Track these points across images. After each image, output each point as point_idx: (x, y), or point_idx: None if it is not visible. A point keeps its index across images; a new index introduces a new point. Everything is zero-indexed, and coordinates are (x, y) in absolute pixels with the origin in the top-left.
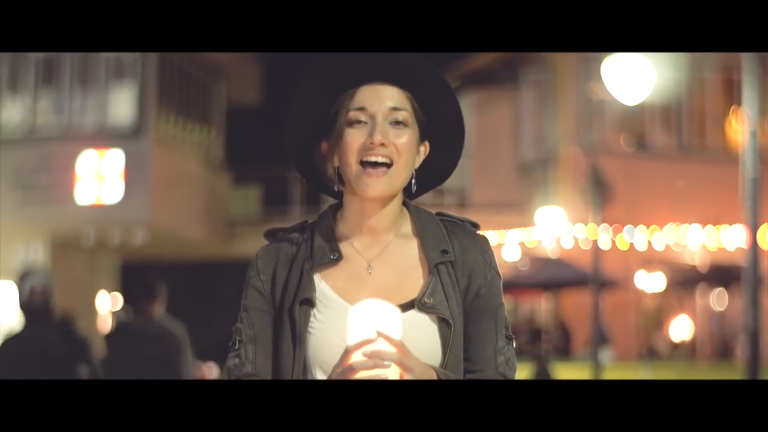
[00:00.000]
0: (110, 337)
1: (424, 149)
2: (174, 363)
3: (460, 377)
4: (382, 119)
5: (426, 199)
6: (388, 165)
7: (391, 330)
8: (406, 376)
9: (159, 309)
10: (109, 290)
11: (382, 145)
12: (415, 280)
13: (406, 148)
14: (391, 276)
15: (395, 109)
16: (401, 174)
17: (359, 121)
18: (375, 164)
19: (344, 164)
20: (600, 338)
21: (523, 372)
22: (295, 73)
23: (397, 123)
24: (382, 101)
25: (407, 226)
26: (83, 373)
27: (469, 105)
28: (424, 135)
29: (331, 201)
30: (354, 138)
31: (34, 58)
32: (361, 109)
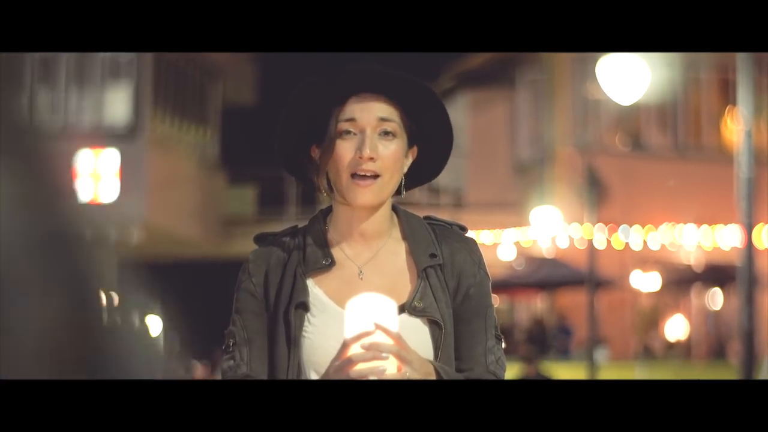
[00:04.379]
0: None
1: (413, 154)
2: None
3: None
4: (371, 132)
5: (422, 199)
6: (377, 176)
7: (389, 323)
8: (404, 368)
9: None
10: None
11: (371, 159)
12: (404, 284)
13: (393, 160)
14: (382, 281)
15: (384, 120)
16: (389, 184)
17: (349, 132)
18: (364, 177)
19: (334, 175)
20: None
21: (512, 372)
22: (290, 73)
23: (386, 133)
24: (372, 113)
25: (396, 231)
26: None
27: (464, 105)
28: (412, 141)
29: (326, 202)
30: (344, 150)
31: (30, 57)
32: (351, 120)
